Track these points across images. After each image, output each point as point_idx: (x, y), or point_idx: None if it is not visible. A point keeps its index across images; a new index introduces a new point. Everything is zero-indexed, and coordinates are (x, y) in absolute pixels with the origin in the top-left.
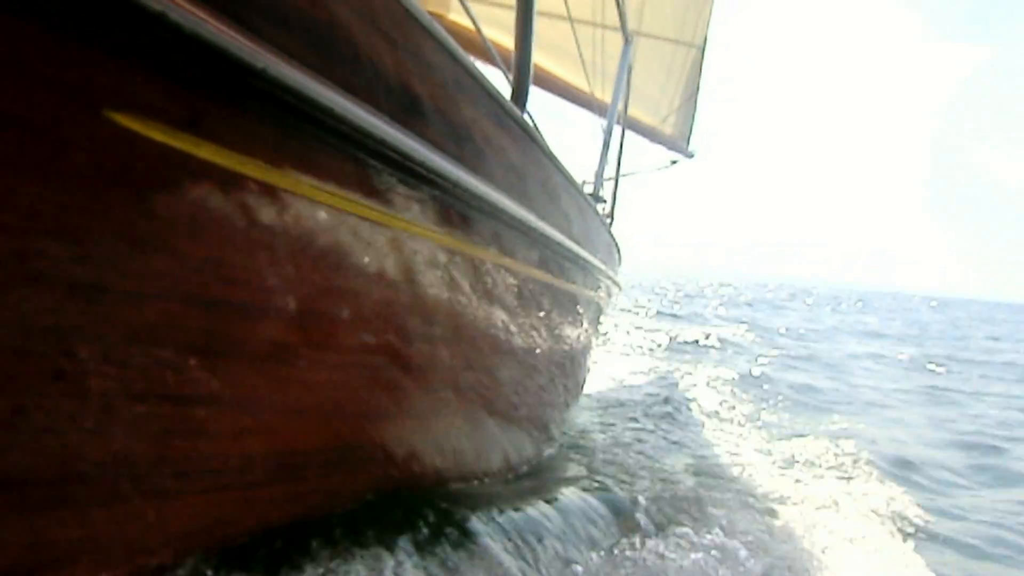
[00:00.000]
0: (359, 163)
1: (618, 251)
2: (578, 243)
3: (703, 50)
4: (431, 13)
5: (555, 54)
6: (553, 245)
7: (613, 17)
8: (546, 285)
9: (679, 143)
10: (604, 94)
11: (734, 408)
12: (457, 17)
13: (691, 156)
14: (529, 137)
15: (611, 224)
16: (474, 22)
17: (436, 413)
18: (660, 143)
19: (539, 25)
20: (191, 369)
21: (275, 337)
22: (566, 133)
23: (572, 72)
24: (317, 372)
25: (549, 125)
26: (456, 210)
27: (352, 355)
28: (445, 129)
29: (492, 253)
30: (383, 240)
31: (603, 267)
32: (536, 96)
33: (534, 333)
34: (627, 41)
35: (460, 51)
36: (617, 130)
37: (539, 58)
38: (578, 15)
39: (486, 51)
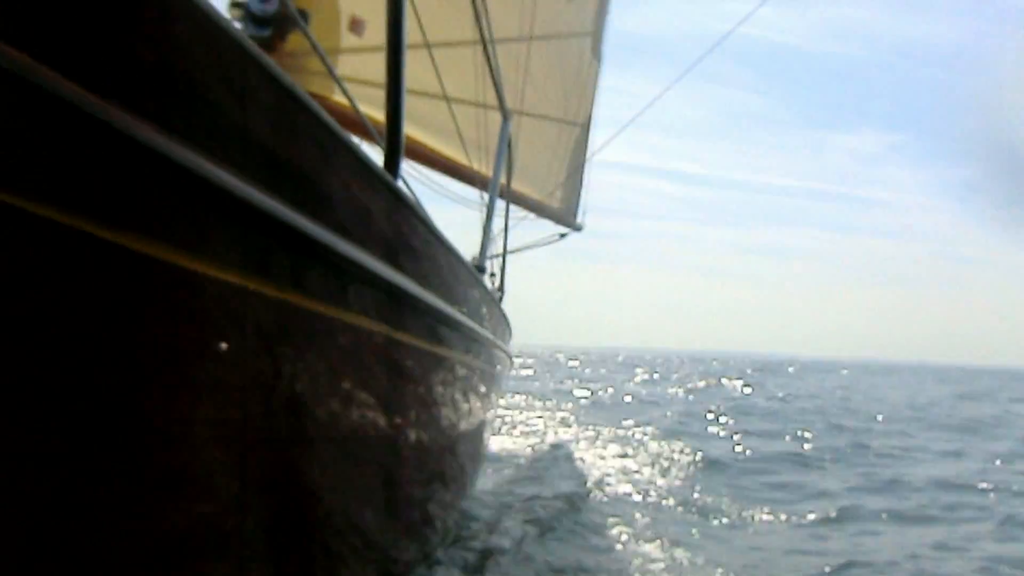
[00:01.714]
0: (219, 223)
1: (508, 324)
2: (462, 311)
3: (587, 127)
4: (314, 95)
5: (440, 133)
6: (434, 312)
7: (494, 96)
8: (426, 354)
9: (567, 217)
10: (489, 170)
11: None
12: (341, 98)
13: (579, 229)
14: (402, 202)
15: (501, 299)
16: (348, 97)
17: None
18: (548, 217)
19: (423, 105)
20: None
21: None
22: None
23: (456, 149)
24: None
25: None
26: (322, 274)
27: (206, 426)
28: (311, 194)
29: (363, 319)
30: (247, 306)
31: (492, 337)
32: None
33: (417, 411)
34: (505, 118)
35: (327, 117)
36: (501, 205)
37: (423, 135)
38: (459, 95)
39: (364, 128)
